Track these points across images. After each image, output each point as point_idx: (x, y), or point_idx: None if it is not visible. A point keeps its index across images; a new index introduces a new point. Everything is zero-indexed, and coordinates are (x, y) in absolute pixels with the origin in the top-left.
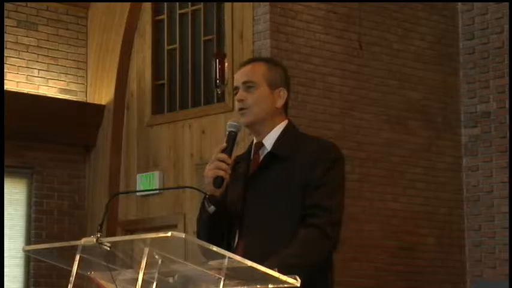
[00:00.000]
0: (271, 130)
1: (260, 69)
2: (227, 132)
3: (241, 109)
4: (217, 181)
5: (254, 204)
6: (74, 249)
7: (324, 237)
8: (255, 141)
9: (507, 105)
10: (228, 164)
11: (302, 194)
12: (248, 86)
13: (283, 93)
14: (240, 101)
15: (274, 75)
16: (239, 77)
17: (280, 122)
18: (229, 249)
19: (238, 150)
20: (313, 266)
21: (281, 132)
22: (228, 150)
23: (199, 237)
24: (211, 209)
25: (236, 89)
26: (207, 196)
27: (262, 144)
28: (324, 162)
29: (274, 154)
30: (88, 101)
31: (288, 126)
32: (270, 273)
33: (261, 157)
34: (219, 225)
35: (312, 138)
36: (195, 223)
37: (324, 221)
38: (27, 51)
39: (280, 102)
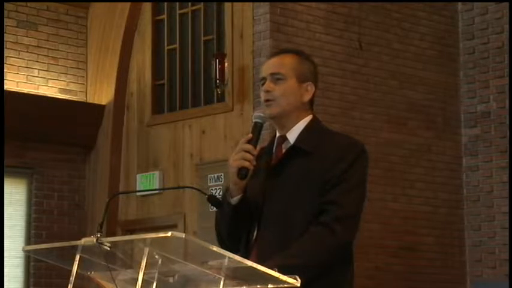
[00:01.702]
0: (295, 124)
1: (290, 62)
2: (252, 123)
3: (267, 100)
4: (242, 172)
5: (274, 197)
6: (74, 249)
7: (331, 237)
8: (277, 134)
9: (507, 105)
10: (253, 155)
11: (321, 190)
12: (276, 77)
13: (310, 88)
14: (267, 91)
15: (304, 68)
16: (267, 68)
17: (305, 117)
18: (248, 241)
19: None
20: (317, 266)
21: (305, 127)
22: (253, 141)
23: (217, 230)
24: (234, 200)
25: (263, 79)
26: (207, 196)
27: (286, 138)
28: (345, 160)
29: (296, 148)
30: (88, 101)
31: (313, 121)
32: (270, 273)
33: (284, 150)
34: (240, 217)
35: (336, 134)
36: (196, 221)
37: (333, 218)
38: (27, 51)
39: (307, 97)
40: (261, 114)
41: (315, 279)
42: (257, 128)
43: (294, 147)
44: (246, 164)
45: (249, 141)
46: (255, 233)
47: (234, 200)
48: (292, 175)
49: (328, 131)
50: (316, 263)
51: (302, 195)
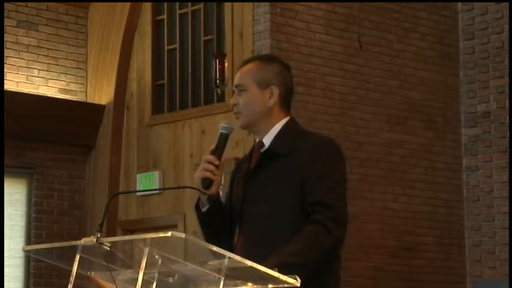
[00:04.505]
0: (270, 129)
1: (249, 71)
2: (218, 134)
3: (236, 113)
4: (205, 182)
5: (253, 200)
6: (74, 249)
7: (326, 235)
8: (257, 140)
9: (507, 105)
10: (216, 166)
11: (301, 189)
12: (239, 89)
13: (275, 91)
14: (234, 105)
15: (265, 73)
16: (234, 81)
17: (280, 120)
18: (231, 244)
19: (238, 150)
20: (314, 264)
21: (280, 130)
22: (217, 151)
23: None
24: (204, 210)
25: (233, 93)
26: (207, 196)
27: (263, 143)
28: (323, 157)
29: (272, 151)
30: (88, 101)
31: (288, 123)
32: (270, 273)
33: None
34: (213, 224)
35: (311, 134)
36: (196, 221)
37: (327, 218)
38: (27, 51)
39: (271, 101)
40: (226, 125)
41: (310, 278)
42: (222, 139)
43: (268, 151)
44: (208, 174)
45: (213, 152)
46: (236, 236)
47: (204, 209)
48: (269, 177)
49: (303, 132)
50: (314, 261)
51: (280, 196)
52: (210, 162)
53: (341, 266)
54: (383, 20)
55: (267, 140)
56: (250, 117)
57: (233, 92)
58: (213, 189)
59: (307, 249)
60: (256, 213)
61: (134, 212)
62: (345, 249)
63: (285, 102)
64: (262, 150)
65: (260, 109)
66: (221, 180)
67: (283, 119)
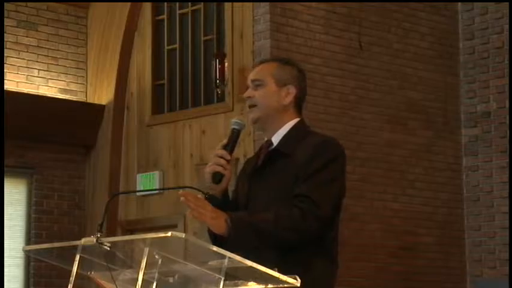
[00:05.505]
0: (280, 127)
1: (269, 68)
2: (230, 129)
3: (250, 106)
4: (216, 177)
5: (255, 198)
6: (74, 249)
7: (301, 220)
8: (265, 139)
9: (507, 105)
10: (227, 160)
11: (294, 185)
12: (256, 84)
13: (291, 90)
14: (248, 98)
15: (283, 73)
16: (250, 76)
17: (291, 120)
18: None
19: (239, 150)
20: (282, 240)
21: (289, 130)
22: (228, 146)
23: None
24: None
25: (247, 88)
26: (207, 195)
27: (271, 142)
28: (319, 156)
29: (278, 150)
30: (88, 101)
31: (298, 125)
32: (270, 273)
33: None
34: None
35: (315, 134)
36: (196, 221)
37: (308, 209)
38: (27, 51)
39: (287, 99)
40: (239, 121)
41: (303, 272)
42: (234, 134)
43: (274, 150)
44: (219, 168)
45: (224, 147)
46: None
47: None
48: (272, 176)
49: (309, 132)
50: (282, 238)
51: (280, 194)
52: (221, 157)
53: (337, 263)
54: (383, 20)
55: (276, 139)
56: (265, 111)
57: (247, 88)
58: (223, 184)
59: (280, 223)
60: (255, 210)
61: (134, 212)
62: (345, 249)
63: (299, 104)
64: (269, 149)
65: (275, 105)
66: (231, 176)
67: (294, 119)
